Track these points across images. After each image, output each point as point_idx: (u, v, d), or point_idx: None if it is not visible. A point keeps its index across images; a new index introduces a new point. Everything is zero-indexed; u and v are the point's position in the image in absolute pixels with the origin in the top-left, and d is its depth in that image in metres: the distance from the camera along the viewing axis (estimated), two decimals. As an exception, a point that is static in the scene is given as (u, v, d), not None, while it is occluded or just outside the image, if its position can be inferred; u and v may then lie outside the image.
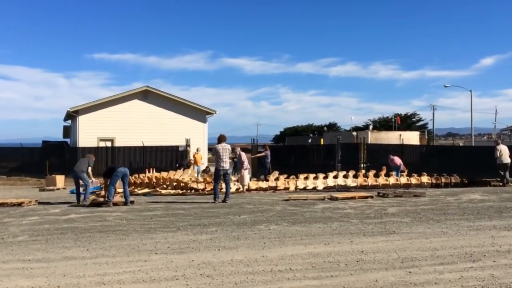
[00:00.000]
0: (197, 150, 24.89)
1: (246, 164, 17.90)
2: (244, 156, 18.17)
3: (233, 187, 17.24)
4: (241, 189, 17.37)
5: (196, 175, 19.73)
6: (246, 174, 18.02)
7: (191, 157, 24.94)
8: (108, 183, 13.67)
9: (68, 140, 37.54)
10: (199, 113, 31.69)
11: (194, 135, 29.33)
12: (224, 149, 14.07)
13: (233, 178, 17.59)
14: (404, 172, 20.09)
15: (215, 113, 32.33)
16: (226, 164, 14.11)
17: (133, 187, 17.69)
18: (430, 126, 69.93)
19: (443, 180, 19.35)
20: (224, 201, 13.73)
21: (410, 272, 6.04)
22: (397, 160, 20.76)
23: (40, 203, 14.55)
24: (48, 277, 6.00)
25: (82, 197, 14.33)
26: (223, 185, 14.47)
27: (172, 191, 17.06)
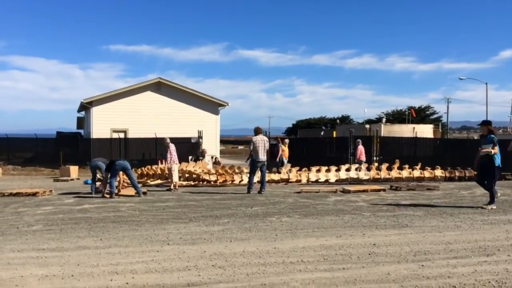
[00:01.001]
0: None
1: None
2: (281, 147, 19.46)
3: (245, 179, 17.27)
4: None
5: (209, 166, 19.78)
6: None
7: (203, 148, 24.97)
8: (108, 176, 13.77)
9: (82, 131, 37.82)
10: (211, 105, 31.72)
11: (206, 127, 29.40)
12: (262, 141, 14.24)
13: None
14: (361, 162, 20.09)
15: (228, 105, 32.33)
16: (264, 156, 14.27)
17: (145, 178, 17.80)
18: (444, 119, 69.42)
19: (457, 173, 19.18)
20: (260, 192, 13.90)
21: (422, 265, 6.01)
22: (358, 149, 20.90)
23: (60, 194, 14.69)
24: (62, 266, 6.06)
25: (95, 186, 14.39)
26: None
27: (184, 183, 17.13)
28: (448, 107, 65.97)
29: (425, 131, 38.73)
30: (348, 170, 18.76)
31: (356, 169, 18.88)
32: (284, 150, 21.34)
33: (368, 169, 18.94)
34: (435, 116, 73.01)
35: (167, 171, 16.01)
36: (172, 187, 15.51)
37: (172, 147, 15.69)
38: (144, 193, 14.09)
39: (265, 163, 14.47)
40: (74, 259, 6.41)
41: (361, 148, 20.85)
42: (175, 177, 15.58)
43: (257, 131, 14.48)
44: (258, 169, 14.51)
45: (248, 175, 15.06)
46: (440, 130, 53.47)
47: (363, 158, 20.77)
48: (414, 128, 38.32)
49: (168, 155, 15.53)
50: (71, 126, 43.10)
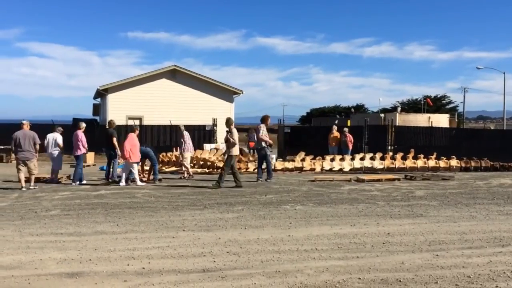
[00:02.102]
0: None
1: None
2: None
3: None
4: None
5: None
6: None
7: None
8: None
9: (97, 117, 38.09)
10: (226, 93, 31.71)
11: (221, 115, 29.40)
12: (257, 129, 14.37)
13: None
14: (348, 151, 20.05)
15: (242, 93, 32.29)
16: (258, 143, 14.37)
17: (160, 165, 17.92)
18: (460, 109, 68.66)
19: (473, 164, 19.02)
20: (267, 179, 14.08)
21: (437, 255, 6.01)
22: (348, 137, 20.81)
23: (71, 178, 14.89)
24: (80, 250, 6.17)
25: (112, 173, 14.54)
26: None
27: (199, 170, 17.23)
28: (464, 96, 65.23)
29: (441, 120, 38.36)
30: (362, 159, 18.71)
31: (360, 159, 18.81)
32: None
33: (382, 158, 18.86)
34: (451, 105, 72.15)
35: (181, 159, 16.06)
36: (186, 175, 15.54)
37: (186, 135, 15.57)
38: (160, 180, 14.22)
39: (263, 149, 14.31)
40: (91, 244, 6.53)
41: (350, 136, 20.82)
42: (187, 165, 15.54)
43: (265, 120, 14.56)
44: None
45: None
46: (456, 120, 52.92)
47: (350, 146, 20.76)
48: (429, 117, 38.00)
49: (183, 143, 15.47)
50: (87, 112, 43.35)
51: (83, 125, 14.83)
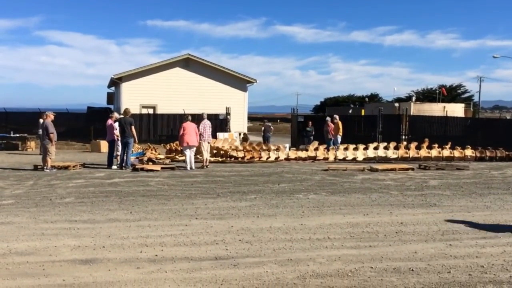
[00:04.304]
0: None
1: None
2: None
3: (272, 156, 17.33)
4: (280, 158, 17.40)
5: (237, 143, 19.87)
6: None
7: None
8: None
9: (112, 106, 38.31)
10: (239, 82, 31.65)
11: (234, 104, 29.40)
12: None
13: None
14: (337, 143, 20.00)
15: (256, 81, 32.21)
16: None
17: (174, 154, 18.00)
18: (476, 98, 67.82)
19: (488, 153, 18.81)
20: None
21: (450, 245, 5.97)
22: (330, 126, 20.81)
23: (85, 166, 15.04)
24: (94, 238, 6.23)
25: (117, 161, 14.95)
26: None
27: (212, 159, 17.26)
28: (480, 86, 64.33)
29: (456, 110, 37.89)
30: (376, 148, 18.59)
31: (374, 149, 18.70)
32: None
33: (396, 148, 18.73)
34: (466, 95, 71.30)
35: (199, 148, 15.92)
36: (204, 164, 15.38)
37: (203, 124, 15.23)
38: (173, 168, 14.33)
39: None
40: (105, 231, 6.59)
41: (331, 125, 20.78)
42: (205, 154, 15.45)
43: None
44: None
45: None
46: (472, 110, 52.32)
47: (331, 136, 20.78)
48: (444, 107, 37.56)
49: (202, 131, 15.15)
50: (102, 101, 43.60)
51: (116, 114, 16.01)
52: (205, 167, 15.04)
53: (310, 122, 23.79)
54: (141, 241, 6.06)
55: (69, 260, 5.30)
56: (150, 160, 16.15)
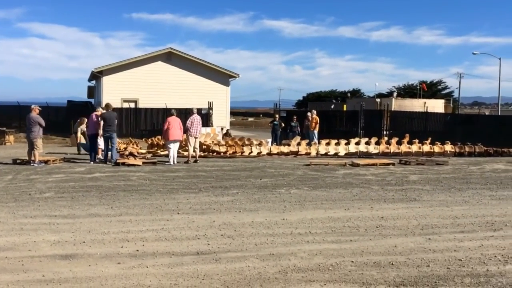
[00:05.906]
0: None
1: None
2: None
3: (254, 151, 17.35)
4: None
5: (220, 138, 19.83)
6: None
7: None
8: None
9: (92, 100, 37.90)
10: (222, 76, 31.57)
11: (216, 98, 29.34)
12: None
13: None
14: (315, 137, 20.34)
15: (238, 76, 32.15)
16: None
17: (155, 148, 17.90)
18: (456, 95, 68.65)
19: (467, 149, 19.09)
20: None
21: (429, 239, 6.05)
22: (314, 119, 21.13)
23: (65, 161, 14.87)
24: (74, 233, 6.18)
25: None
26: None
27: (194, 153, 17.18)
28: (460, 82, 65.12)
29: (436, 106, 38.34)
30: (357, 143, 18.74)
31: (355, 144, 18.85)
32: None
33: (378, 143, 18.90)
34: (447, 91, 72.18)
35: (184, 142, 15.89)
36: (189, 158, 15.19)
37: (190, 119, 14.94)
38: (154, 163, 14.26)
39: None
40: (85, 226, 6.53)
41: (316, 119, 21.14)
42: (190, 149, 15.27)
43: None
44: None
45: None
46: (452, 105, 52.95)
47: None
48: (425, 103, 37.97)
49: (189, 126, 14.94)
50: (83, 95, 43.09)
51: (101, 109, 15.87)
52: (189, 162, 14.94)
53: (295, 117, 23.78)
54: (122, 236, 6.02)
55: (48, 255, 5.25)
56: (131, 154, 16.01)
